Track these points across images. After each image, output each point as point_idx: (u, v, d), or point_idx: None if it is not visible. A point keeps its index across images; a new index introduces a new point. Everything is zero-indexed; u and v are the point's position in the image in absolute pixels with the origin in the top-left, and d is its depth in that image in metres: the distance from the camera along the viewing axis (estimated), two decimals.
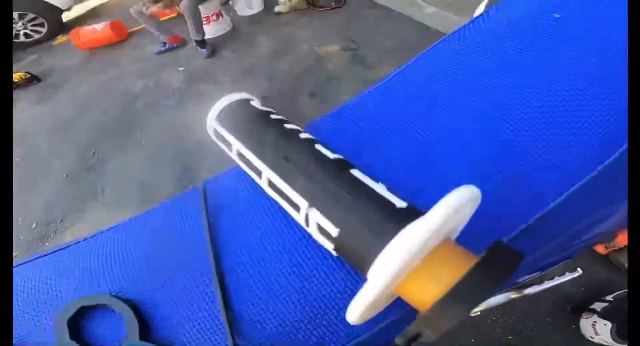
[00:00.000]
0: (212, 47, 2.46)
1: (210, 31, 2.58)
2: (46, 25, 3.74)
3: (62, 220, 1.59)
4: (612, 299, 0.86)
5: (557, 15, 0.29)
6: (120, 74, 2.59)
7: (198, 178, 1.60)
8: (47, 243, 1.52)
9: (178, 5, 2.27)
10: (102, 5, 4.74)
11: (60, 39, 3.73)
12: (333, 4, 2.65)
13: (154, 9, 2.28)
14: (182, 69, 2.40)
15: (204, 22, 2.50)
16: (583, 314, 0.89)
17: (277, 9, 2.70)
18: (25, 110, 2.55)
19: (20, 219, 1.63)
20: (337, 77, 1.99)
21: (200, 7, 2.35)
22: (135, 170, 1.75)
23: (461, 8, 2.36)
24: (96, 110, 2.29)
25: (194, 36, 2.39)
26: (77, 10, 4.43)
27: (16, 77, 2.81)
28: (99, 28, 3.02)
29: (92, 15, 4.43)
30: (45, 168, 1.94)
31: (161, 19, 2.65)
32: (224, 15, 2.63)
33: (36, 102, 2.61)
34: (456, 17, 2.31)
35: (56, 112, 2.42)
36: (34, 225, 1.60)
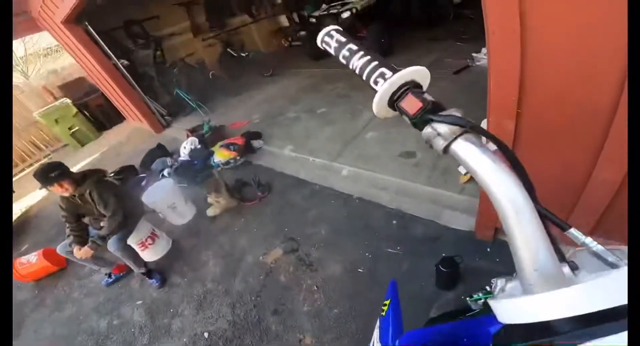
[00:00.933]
0: (160, 275, 2.41)
1: (150, 256, 2.55)
2: None
3: None
4: None
5: None
6: (78, 310, 2.46)
7: None
8: None
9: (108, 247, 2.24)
10: (26, 211, 4.57)
11: None
12: (259, 194, 2.78)
13: (83, 254, 2.17)
14: (140, 302, 2.32)
15: (140, 248, 2.49)
16: None
17: (209, 212, 2.78)
18: None
19: None
20: (291, 288, 2.05)
21: (130, 237, 2.32)
22: None
23: (369, 159, 2.71)
24: None
25: (136, 270, 2.34)
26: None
27: None
28: (33, 260, 2.85)
29: (19, 226, 4.22)
30: None
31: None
32: (159, 234, 2.61)
33: None
34: (368, 173, 2.59)
35: None
36: None
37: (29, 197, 4.90)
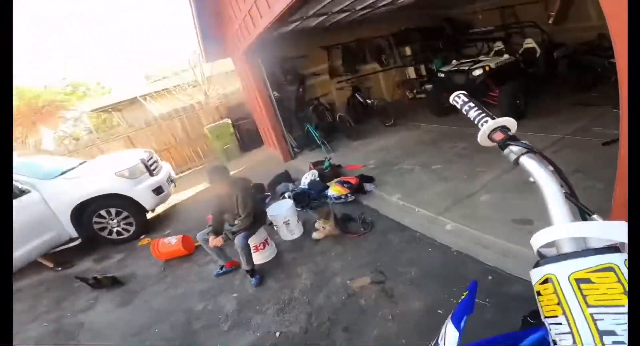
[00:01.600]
0: (260, 276, 2.83)
1: (258, 259, 3.02)
2: (134, 224, 4.64)
3: None
4: None
5: None
6: (187, 292, 3.02)
7: None
8: None
9: (234, 241, 2.76)
10: (177, 204, 5.89)
11: (143, 240, 4.50)
12: (362, 230, 3.04)
13: (217, 242, 2.76)
14: (235, 295, 2.74)
15: (253, 250, 2.97)
16: None
17: (314, 235, 3.14)
18: (107, 312, 3.04)
19: None
20: (367, 312, 2.16)
21: (250, 238, 2.83)
22: None
23: (478, 220, 2.63)
24: (163, 323, 2.65)
25: (244, 266, 2.79)
26: (157, 211, 5.50)
27: (104, 280, 3.43)
28: (173, 242, 3.64)
29: (169, 214, 5.47)
30: None
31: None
32: (270, 242, 3.11)
33: (117, 306, 3.09)
34: (473, 231, 2.53)
35: (132, 318, 2.84)
36: None
37: (181, 193, 6.29)
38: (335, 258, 2.83)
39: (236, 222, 2.77)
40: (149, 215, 5.09)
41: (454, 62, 5.43)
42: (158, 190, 4.70)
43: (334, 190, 3.65)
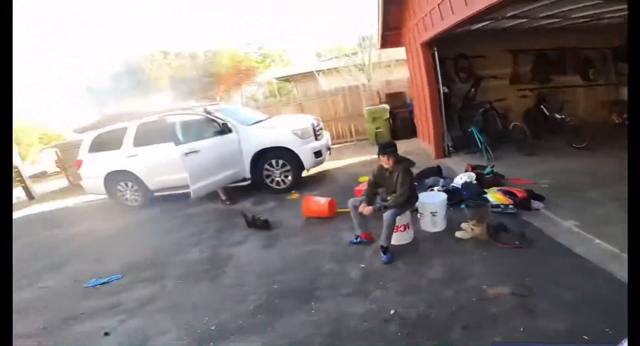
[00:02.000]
0: (392, 255, 2.92)
1: (396, 239, 3.10)
2: (291, 178, 5.45)
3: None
4: None
5: None
6: (320, 250, 3.33)
7: None
8: None
9: (383, 214, 2.91)
10: (327, 171, 6.54)
11: (293, 195, 5.23)
12: (517, 242, 2.75)
13: (368, 211, 2.98)
14: (363, 266, 2.92)
15: (394, 230, 3.09)
16: None
17: (458, 234, 3.02)
18: (252, 251, 3.62)
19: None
20: (495, 319, 2.03)
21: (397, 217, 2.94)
22: (298, 330, 2.26)
23: None
24: (293, 273, 3.00)
25: (382, 241, 2.91)
26: (310, 172, 6.24)
27: (260, 221, 4.11)
28: (322, 201, 4.09)
29: (319, 178, 6.14)
30: (240, 297, 2.76)
31: None
32: (410, 227, 3.16)
33: (261, 247, 3.68)
34: None
35: (269, 261, 3.32)
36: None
37: (331, 163, 6.90)
38: (475, 262, 2.69)
39: (389, 197, 2.92)
40: (304, 174, 5.82)
41: None
42: (318, 154, 5.35)
43: (494, 197, 3.38)
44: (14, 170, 9.68)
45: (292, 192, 5.35)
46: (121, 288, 3.23)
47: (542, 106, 5.97)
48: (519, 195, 3.32)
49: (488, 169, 4.14)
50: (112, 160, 5.80)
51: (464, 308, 2.19)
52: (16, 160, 9.62)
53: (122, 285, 3.29)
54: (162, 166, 5.49)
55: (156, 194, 5.88)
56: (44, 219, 7.01)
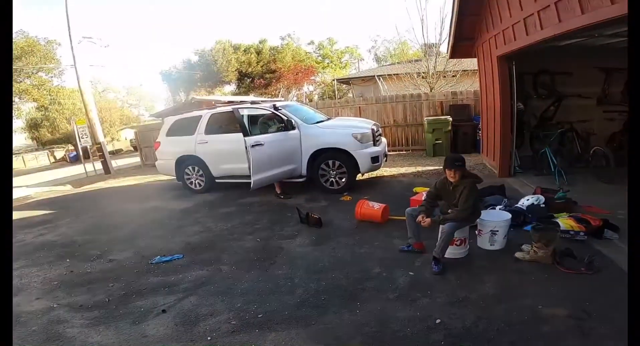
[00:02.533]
0: (443, 267, 2.87)
1: (451, 253, 3.03)
2: (345, 179, 5.51)
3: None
4: None
5: None
6: (369, 254, 3.36)
7: None
8: None
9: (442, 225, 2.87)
10: (380, 177, 6.53)
11: (345, 197, 5.31)
12: (583, 269, 2.57)
13: (427, 222, 2.94)
14: (412, 274, 2.91)
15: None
16: None
17: (518, 254, 2.88)
18: (302, 246, 3.75)
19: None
20: (547, 337, 1.97)
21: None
22: (340, 327, 2.32)
23: None
24: (340, 272, 3.06)
25: (435, 252, 2.87)
26: (365, 176, 6.27)
27: (312, 217, 4.25)
28: (375, 207, 4.12)
29: (372, 183, 6.15)
30: (287, 288, 2.88)
31: None
32: (467, 243, 3.07)
33: (311, 243, 3.80)
34: None
35: (318, 257, 3.41)
36: None
37: (385, 170, 6.84)
38: (534, 283, 2.57)
39: (449, 211, 2.88)
40: (358, 178, 5.89)
41: None
42: (375, 159, 5.37)
43: (564, 222, 3.14)
44: (96, 146, 11.04)
45: (345, 193, 5.44)
46: (180, 268, 3.49)
47: None
48: (593, 223, 3.07)
49: (561, 194, 3.85)
50: (185, 145, 6.37)
51: (514, 325, 2.13)
52: (100, 137, 10.94)
53: (182, 265, 3.57)
54: (228, 154, 5.91)
55: (217, 180, 6.34)
56: (119, 192, 7.91)
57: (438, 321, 2.25)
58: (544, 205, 3.57)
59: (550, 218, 3.33)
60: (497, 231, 3.02)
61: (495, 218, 3.09)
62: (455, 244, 3.03)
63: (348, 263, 3.25)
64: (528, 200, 3.71)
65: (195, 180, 6.58)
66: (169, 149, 6.65)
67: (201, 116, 6.31)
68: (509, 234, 3.12)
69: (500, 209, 3.59)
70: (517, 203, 3.82)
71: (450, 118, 8.06)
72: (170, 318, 2.63)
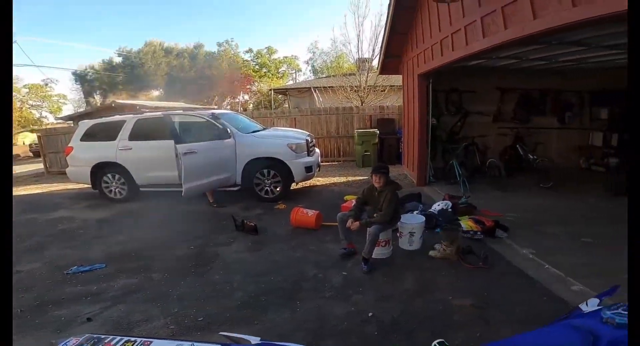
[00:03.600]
0: (372, 266, 3.19)
1: (377, 253, 3.36)
2: (280, 188, 5.63)
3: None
4: None
5: None
6: (305, 258, 3.54)
7: None
8: None
9: (368, 228, 3.17)
10: (313, 186, 6.80)
11: (280, 205, 5.43)
12: (481, 264, 3.09)
13: (355, 225, 3.22)
14: (345, 273, 3.16)
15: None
16: None
17: (431, 253, 3.34)
18: (239, 252, 3.78)
19: None
20: (457, 326, 2.30)
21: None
22: (282, 325, 2.44)
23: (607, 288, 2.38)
24: (278, 275, 3.19)
25: (364, 252, 3.17)
26: (299, 185, 6.48)
27: (248, 225, 4.28)
28: (309, 214, 4.32)
29: (305, 192, 6.38)
30: (226, 292, 2.90)
31: None
32: (390, 244, 3.46)
33: (247, 249, 3.84)
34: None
35: (256, 263, 3.50)
36: None
37: (317, 179, 7.17)
38: (444, 278, 2.99)
39: (375, 214, 3.22)
40: (293, 186, 6.07)
41: None
42: (309, 169, 5.62)
43: (466, 223, 3.74)
44: None
45: (280, 202, 5.56)
46: (103, 277, 3.29)
47: (518, 146, 6.44)
48: (487, 224, 3.70)
49: (463, 199, 4.55)
50: (104, 151, 5.87)
51: (432, 316, 2.46)
52: None
53: (105, 274, 3.36)
54: (156, 162, 5.62)
55: (142, 189, 5.94)
56: (19, 202, 6.87)
57: (370, 314, 2.49)
58: (451, 210, 4.18)
59: (455, 220, 3.91)
60: (415, 233, 3.46)
61: (412, 221, 3.53)
62: (381, 245, 3.38)
63: (285, 266, 3.38)
64: (439, 205, 4.29)
65: (115, 189, 6.09)
66: (84, 155, 6.07)
67: (125, 121, 5.90)
68: (424, 235, 3.58)
69: (416, 213, 4.08)
70: (430, 208, 4.39)
71: (378, 131, 8.75)
72: (97, 326, 2.51)
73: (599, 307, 0.94)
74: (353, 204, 3.52)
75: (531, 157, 6.09)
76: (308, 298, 2.80)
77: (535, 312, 2.38)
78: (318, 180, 7.14)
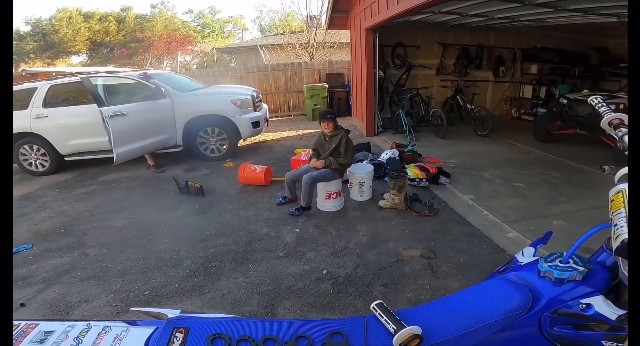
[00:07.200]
0: (301, 208, 3.36)
1: (327, 206, 3.41)
2: (226, 146, 5.37)
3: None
4: None
5: None
6: (256, 216, 3.45)
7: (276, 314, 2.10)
8: None
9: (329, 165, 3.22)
10: (262, 141, 6.59)
11: (228, 163, 5.21)
12: (426, 212, 3.25)
13: (320, 163, 3.24)
14: (297, 230, 3.14)
15: (326, 197, 3.37)
16: None
17: (380, 203, 3.43)
18: (184, 217, 3.56)
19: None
20: (408, 277, 2.41)
21: (326, 184, 3.29)
22: (236, 290, 2.38)
23: (540, 234, 2.70)
24: (228, 237, 3.08)
25: (301, 201, 3.30)
26: (247, 142, 6.24)
27: (193, 186, 4.05)
28: (257, 169, 4.16)
29: (254, 148, 6.17)
30: (173, 262, 2.76)
31: None
32: (341, 196, 3.48)
33: (194, 213, 3.64)
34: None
35: (204, 226, 3.33)
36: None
37: (267, 134, 6.97)
38: (394, 228, 3.09)
39: (337, 158, 3.25)
40: (240, 143, 5.81)
41: (585, 91, 5.20)
42: (256, 124, 5.37)
43: (411, 171, 3.87)
44: None
45: (228, 160, 5.33)
46: (31, 259, 2.94)
47: (458, 96, 6.78)
48: (431, 171, 3.87)
49: (409, 147, 4.68)
50: (16, 122, 5.05)
51: (385, 268, 2.52)
52: None
53: (33, 255, 3.00)
54: (79, 128, 5.01)
55: (68, 159, 5.31)
56: None
57: (325, 271, 2.49)
58: (398, 158, 4.29)
59: (402, 168, 4.03)
60: (364, 182, 3.51)
61: (361, 171, 3.56)
62: (332, 197, 3.39)
63: (235, 227, 3.26)
64: (387, 154, 4.38)
65: (35, 161, 5.36)
66: None
67: (36, 88, 5.11)
68: (373, 185, 3.66)
69: (365, 163, 4.13)
70: (379, 157, 4.47)
71: (327, 85, 8.59)
72: (33, 311, 2.28)
73: (535, 258, 0.97)
74: (303, 157, 3.49)
75: (470, 107, 6.45)
76: (261, 259, 2.73)
77: (476, 261, 2.54)
78: (268, 136, 6.94)
